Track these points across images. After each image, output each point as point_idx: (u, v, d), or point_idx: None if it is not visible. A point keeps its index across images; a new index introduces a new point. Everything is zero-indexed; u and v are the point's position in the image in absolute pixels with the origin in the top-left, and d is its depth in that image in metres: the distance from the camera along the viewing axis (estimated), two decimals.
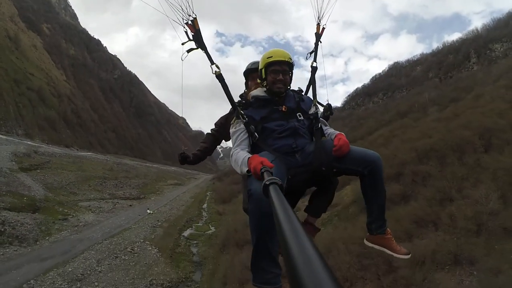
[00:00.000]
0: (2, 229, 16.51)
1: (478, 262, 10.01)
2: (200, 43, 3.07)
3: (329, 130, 3.16)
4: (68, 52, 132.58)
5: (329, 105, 3.40)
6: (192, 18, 3.02)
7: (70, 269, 14.72)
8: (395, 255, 2.93)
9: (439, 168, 16.23)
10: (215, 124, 4.18)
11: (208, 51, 3.15)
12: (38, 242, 17.18)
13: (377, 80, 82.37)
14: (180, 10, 3.00)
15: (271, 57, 3.02)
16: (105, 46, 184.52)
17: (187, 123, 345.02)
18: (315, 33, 3.76)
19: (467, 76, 46.88)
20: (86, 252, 16.94)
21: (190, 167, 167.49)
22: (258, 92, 3.17)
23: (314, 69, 3.63)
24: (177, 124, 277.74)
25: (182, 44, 3.06)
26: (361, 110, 71.99)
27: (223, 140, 4.14)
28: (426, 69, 65.34)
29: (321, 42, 3.69)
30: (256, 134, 2.90)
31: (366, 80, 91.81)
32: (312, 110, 3.26)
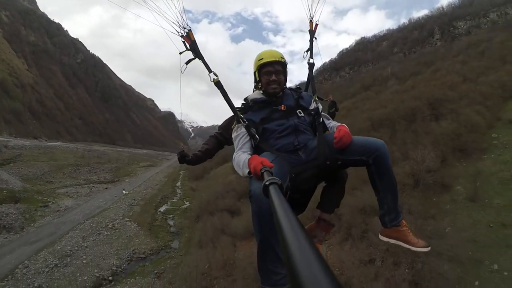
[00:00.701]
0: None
1: (415, 211, 11.19)
2: (197, 53, 3.12)
3: (331, 124, 3.17)
4: (28, 39, 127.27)
5: (333, 102, 3.36)
6: (187, 30, 3.10)
7: (59, 247, 16.27)
8: (413, 248, 2.84)
9: (390, 135, 17.53)
10: (219, 127, 4.11)
11: (206, 60, 3.20)
12: (24, 229, 18.47)
13: (344, 55, 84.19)
14: (176, 24, 3.09)
15: (262, 59, 3.07)
16: (66, 30, 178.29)
17: (155, 104, 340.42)
18: (309, 30, 3.74)
19: (430, 52, 49.66)
20: (71, 232, 18.48)
21: (161, 148, 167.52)
22: (256, 95, 3.20)
23: (311, 66, 3.62)
24: (145, 106, 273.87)
25: (180, 53, 3.12)
26: (328, 84, 73.15)
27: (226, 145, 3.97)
28: (391, 44, 67.78)
29: (315, 39, 3.74)
30: (257, 136, 2.91)
31: (334, 55, 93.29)
32: (313, 106, 3.24)
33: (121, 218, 22.58)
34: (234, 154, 2.88)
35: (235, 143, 3.01)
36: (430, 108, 18.14)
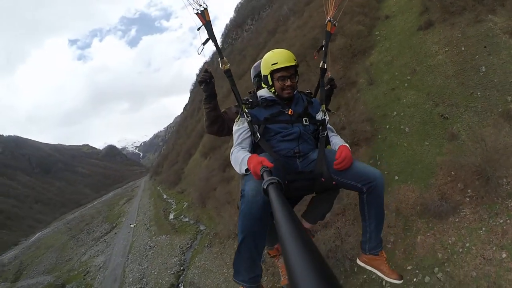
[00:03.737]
0: None
1: (336, 113, 14.64)
2: (210, 34, 2.97)
3: (334, 139, 3.10)
4: None
5: (331, 79, 3.41)
6: (203, 8, 2.93)
7: (130, 279, 19.86)
8: (386, 278, 2.92)
9: (305, 65, 18.96)
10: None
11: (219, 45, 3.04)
12: None
13: (240, 9, 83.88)
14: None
15: (276, 63, 2.91)
16: None
17: (92, 147, 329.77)
18: (326, 31, 3.52)
19: None
20: (126, 269, 21.94)
21: (124, 182, 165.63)
22: (265, 92, 3.10)
23: (323, 71, 3.41)
24: (84, 153, 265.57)
25: (198, 29, 2.95)
26: (238, 42, 71.74)
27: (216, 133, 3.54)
28: None
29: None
30: (258, 134, 2.84)
31: (231, 13, 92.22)
32: (320, 116, 3.16)
33: (149, 239, 26.42)
34: (233, 148, 2.84)
35: (235, 136, 2.91)
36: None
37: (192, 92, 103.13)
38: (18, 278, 33.80)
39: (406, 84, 13.15)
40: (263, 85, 3.17)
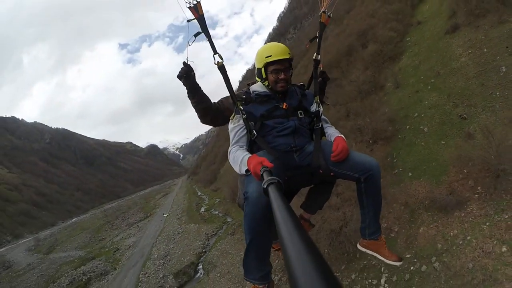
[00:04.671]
0: (91, 272, 22.57)
1: (361, 115, 15.11)
2: (204, 28, 2.87)
3: (329, 130, 3.08)
4: None
5: (323, 72, 3.39)
6: (196, 2, 2.83)
7: (155, 256, 21.40)
8: (386, 261, 2.98)
9: (340, 73, 20.01)
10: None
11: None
12: (117, 268, 22.81)
13: (283, 18, 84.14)
14: None
15: (270, 56, 2.86)
16: (22, 119, 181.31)
17: (135, 145, 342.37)
18: (320, 22, 3.40)
19: None
20: (154, 248, 23.45)
21: (163, 180, 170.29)
22: (259, 87, 3.04)
23: (316, 63, 3.33)
24: (127, 150, 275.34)
25: (188, 21, 2.87)
26: None
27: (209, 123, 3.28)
28: None
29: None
30: (254, 132, 2.80)
31: (275, 22, 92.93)
32: (314, 108, 3.12)
33: (179, 226, 28.13)
34: (230, 147, 2.81)
35: (231, 135, 2.89)
36: (359, 39, 21.03)
37: None
38: (51, 251, 36.57)
39: (429, 87, 13.48)
40: (256, 79, 3.11)
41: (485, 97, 11.12)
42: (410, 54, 16.58)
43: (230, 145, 2.83)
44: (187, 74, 2.85)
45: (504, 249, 7.41)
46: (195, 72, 2.91)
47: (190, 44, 2.88)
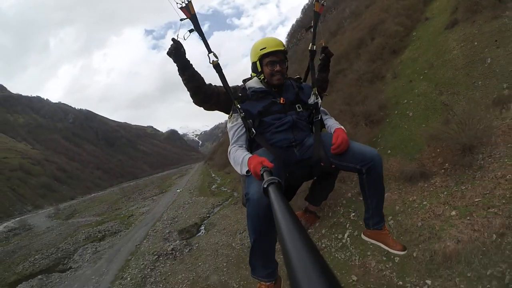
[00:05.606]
0: (106, 231, 24.80)
1: (357, 100, 16.37)
2: (197, 28, 2.87)
3: (329, 122, 3.05)
4: (18, 122, 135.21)
5: (325, 47, 3.38)
6: (187, 2, 2.82)
7: (165, 218, 23.89)
8: (390, 250, 2.97)
9: (348, 64, 21.31)
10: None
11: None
12: (129, 228, 24.70)
13: (307, 11, 79.84)
14: None
15: (265, 48, 2.85)
16: (47, 99, 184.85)
17: (155, 129, 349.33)
18: (314, 11, 3.35)
19: None
20: (165, 214, 25.79)
21: (180, 165, 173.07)
22: (255, 83, 2.98)
23: (312, 54, 3.29)
24: (147, 134, 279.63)
25: (181, 20, 2.83)
26: (302, 43, 68.46)
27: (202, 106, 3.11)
28: None
29: (321, 22, 3.45)
30: (253, 129, 2.79)
31: (299, 14, 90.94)
32: (312, 100, 3.07)
33: (189, 198, 30.70)
34: (230, 147, 2.79)
35: (230, 134, 2.87)
36: (370, 33, 22.04)
37: None
38: (70, 217, 39.35)
39: (421, 77, 14.71)
40: (252, 74, 3.06)
41: (468, 86, 12.16)
42: (412, 48, 17.68)
43: (230, 144, 2.83)
44: (176, 51, 2.77)
45: (453, 213, 8.34)
46: (185, 49, 2.84)
47: (185, 39, 2.81)
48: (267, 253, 2.51)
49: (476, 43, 13.27)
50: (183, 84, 2.92)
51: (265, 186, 1.45)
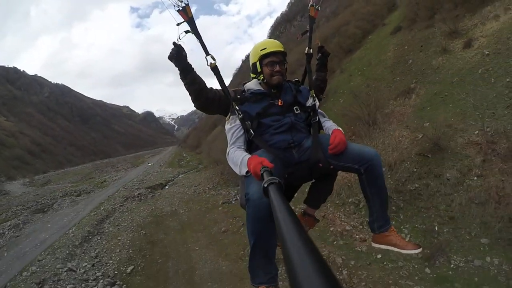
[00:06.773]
0: (82, 191, 27.25)
1: None
2: (194, 31, 2.78)
3: (327, 124, 3.04)
4: None
5: (321, 47, 3.38)
6: (184, 5, 2.74)
7: (135, 180, 26.99)
8: (403, 251, 2.81)
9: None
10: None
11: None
12: (103, 189, 27.20)
13: (292, 5, 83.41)
14: None
15: (265, 48, 2.85)
16: (23, 70, 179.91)
17: (131, 110, 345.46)
18: (309, 15, 3.27)
19: None
20: (135, 179, 28.66)
21: (153, 147, 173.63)
22: (253, 85, 2.97)
23: (309, 57, 3.21)
24: (123, 114, 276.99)
25: (177, 24, 2.74)
26: (284, 36, 71.22)
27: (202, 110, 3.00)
28: None
29: (317, 27, 3.36)
30: (251, 131, 2.74)
31: (284, 7, 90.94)
32: (310, 102, 3.01)
33: (159, 169, 34.28)
34: (228, 148, 2.76)
35: (229, 135, 2.80)
36: (334, 33, 25.04)
37: (235, 76, 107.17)
38: (45, 185, 40.88)
39: (359, 73, 17.79)
40: (251, 75, 3.04)
41: (389, 81, 15.15)
42: (364, 49, 20.61)
43: (228, 146, 2.79)
44: (177, 55, 2.67)
45: None
46: (186, 53, 2.71)
47: (180, 38, 2.68)
48: (267, 256, 2.43)
49: (406, 47, 16.11)
50: (185, 88, 2.82)
51: (265, 186, 1.44)
